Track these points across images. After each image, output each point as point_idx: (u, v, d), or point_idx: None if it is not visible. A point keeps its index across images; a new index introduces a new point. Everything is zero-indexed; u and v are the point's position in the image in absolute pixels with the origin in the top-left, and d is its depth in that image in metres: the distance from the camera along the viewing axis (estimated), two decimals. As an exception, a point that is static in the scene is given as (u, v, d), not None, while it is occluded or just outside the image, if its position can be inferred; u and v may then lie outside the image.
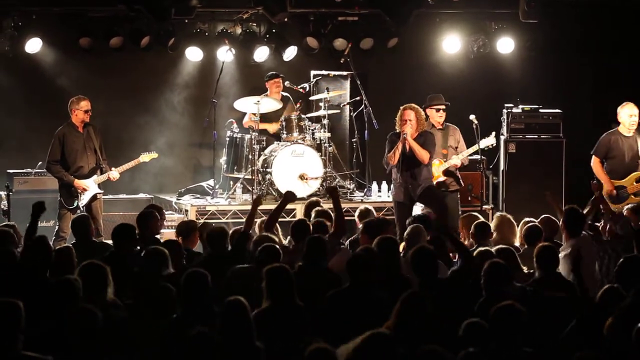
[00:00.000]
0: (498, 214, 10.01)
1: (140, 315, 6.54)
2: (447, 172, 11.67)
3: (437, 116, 11.79)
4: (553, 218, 9.41)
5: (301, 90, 13.55)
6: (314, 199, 11.00)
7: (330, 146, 13.04)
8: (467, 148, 11.89)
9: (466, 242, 9.27)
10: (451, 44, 14.00)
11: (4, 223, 9.69)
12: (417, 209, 11.13)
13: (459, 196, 11.85)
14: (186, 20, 13.25)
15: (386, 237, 7.87)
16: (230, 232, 8.76)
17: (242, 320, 5.98)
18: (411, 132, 10.85)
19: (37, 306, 6.37)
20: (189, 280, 6.59)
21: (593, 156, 11.70)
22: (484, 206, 12.46)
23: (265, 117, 13.11)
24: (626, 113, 11.57)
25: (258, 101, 12.80)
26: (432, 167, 11.35)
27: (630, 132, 11.59)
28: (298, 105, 13.39)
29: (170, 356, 6.09)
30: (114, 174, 11.64)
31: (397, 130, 10.95)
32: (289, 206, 12.43)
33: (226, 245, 8.40)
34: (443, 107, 11.82)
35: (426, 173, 11.05)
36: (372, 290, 6.96)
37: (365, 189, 13.31)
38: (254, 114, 12.81)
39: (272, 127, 13.27)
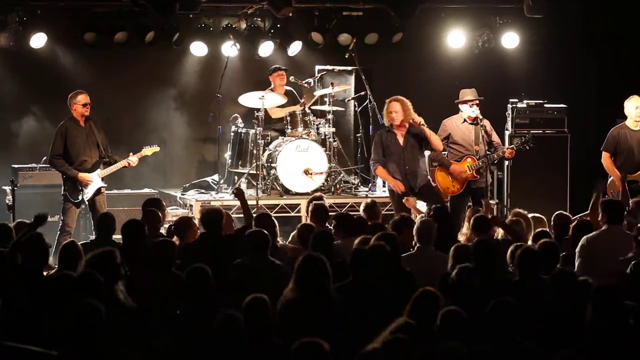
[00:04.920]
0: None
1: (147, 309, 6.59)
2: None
3: (470, 111, 11.40)
4: (565, 213, 9.37)
5: (306, 85, 13.55)
6: (318, 194, 11.01)
7: (334, 141, 13.04)
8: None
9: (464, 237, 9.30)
10: (456, 38, 13.98)
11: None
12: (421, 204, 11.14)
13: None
14: (191, 15, 13.25)
15: (386, 233, 7.87)
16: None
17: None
18: (398, 122, 10.95)
19: (36, 302, 6.42)
20: (192, 275, 6.64)
21: (603, 152, 11.54)
22: (489, 201, 12.41)
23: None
24: (632, 105, 11.49)
25: (262, 96, 12.82)
26: (464, 164, 11.31)
27: (637, 126, 11.54)
28: (303, 100, 13.38)
29: (189, 345, 6.17)
30: (133, 158, 11.52)
31: (385, 124, 11.11)
32: (293, 201, 12.53)
33: (221, 229, 8.41)
34: (477, 101, 11.42)
35: (423, 165, 11.12)
36: (375, 284, 6.96)
37: (370, 184, 13.32)
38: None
39: (285, 110, 13.24)
